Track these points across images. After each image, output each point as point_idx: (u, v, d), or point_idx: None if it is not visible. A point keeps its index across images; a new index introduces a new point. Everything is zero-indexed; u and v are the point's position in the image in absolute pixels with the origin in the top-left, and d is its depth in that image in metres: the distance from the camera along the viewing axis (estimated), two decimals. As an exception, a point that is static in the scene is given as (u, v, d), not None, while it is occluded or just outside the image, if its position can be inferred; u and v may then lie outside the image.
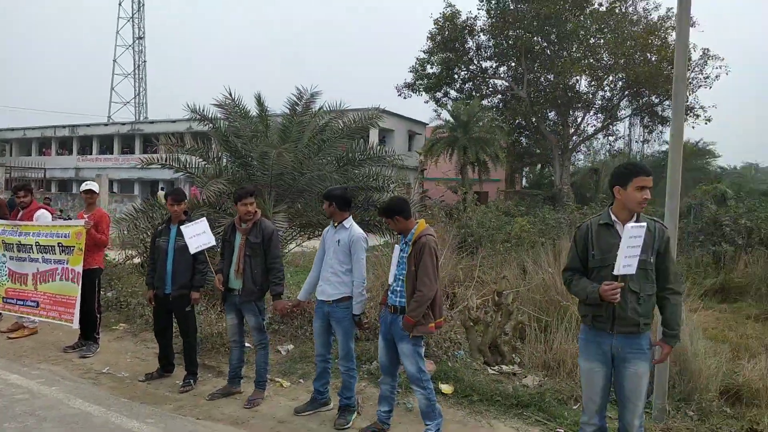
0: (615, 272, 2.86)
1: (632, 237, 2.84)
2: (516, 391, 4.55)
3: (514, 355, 5.58)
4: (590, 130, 32.16)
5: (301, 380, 5.08)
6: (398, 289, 3.83)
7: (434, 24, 30.55)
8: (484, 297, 6.78)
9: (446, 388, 4.68)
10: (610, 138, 33.37)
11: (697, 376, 4.79)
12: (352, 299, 4.15)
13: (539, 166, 37.18)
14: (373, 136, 27.33)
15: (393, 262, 3.99)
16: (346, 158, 8.76)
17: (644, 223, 2.94)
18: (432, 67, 32.02)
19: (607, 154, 34.45)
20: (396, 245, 4.04)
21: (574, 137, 31.29)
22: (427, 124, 35.57)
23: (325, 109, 9.41)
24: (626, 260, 2.83)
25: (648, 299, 3.00)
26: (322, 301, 4.26)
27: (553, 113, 31.37)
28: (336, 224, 4.26)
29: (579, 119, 31.19)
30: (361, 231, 4.21)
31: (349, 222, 4.23)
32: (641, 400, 3.03)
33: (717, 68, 27.57)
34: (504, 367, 5.31)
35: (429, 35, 30.91)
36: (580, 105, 30.21)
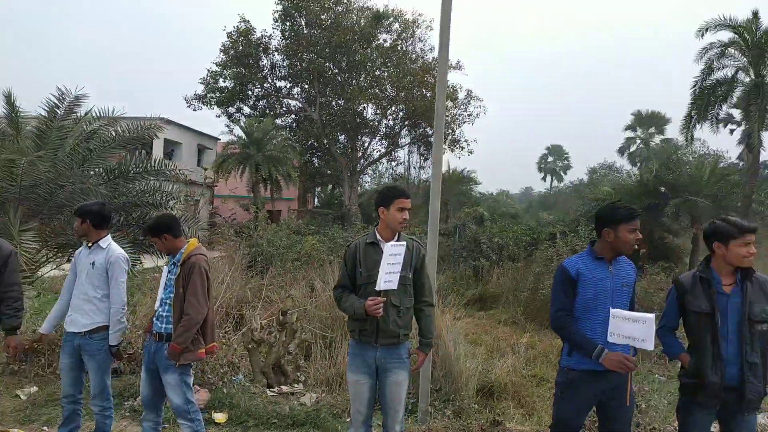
0: (377, 288, 3.03)
1: (392, 255, 3.04)
2: (293, 411, 4.53)
3: (298, 374, 5.57)
4: (376, 154, 34.52)
5: (44, 427, 4.32)
6: (164, 314, 3.51)
7: (228, 37, 29.82)
8: (271, 317, 6.68)
9: (220, 417, 4.43)
10: (393, 163, 36.22)
11: (459, 377, 5.33)
12: (109, 328, 3.68)
13: (330, 186, 38.48)
14: (158, 148, 25.32)
15: (161, 285, 3.66)
16: (118, 171, 7.94)
17: (404, 242, 3.18)
18: (225, 81, 31.14)
19: (391, 177, 37.26)
20: (165, 267, 3.72)
21: (361, 160, 33.21)
22: (219, 139, 34.23)
23: (94, 114, 8.44)
24: (387, 276, 3.02)
25: (407, 312, 3.25)
26: (73, 333, 3.69)
27: (343, 137, 32.87)
28: (90, 244, 3.75)
29: (366, 144, 33.25)
30: (121, 250, 3.77)
31: (107, 241, 3.76)
32: (401, 405, 3.25)
33: (477, 108, 31.97)
34: (284, 387, 5.26)
35: (222, 48, 30.05)
36: (367, 131, 32.23)
